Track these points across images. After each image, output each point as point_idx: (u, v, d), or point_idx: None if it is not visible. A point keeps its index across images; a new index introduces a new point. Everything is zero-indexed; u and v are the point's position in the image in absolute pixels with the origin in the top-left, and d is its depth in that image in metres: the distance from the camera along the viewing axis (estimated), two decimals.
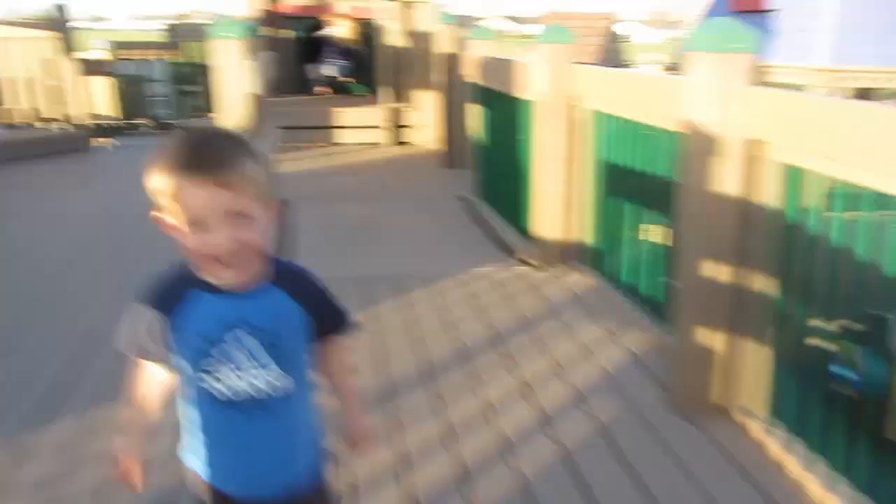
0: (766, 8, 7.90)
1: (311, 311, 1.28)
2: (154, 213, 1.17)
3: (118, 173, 6.56)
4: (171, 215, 1.15)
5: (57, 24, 7.58)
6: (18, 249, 4.36)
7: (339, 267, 3.93)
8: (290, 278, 1.28)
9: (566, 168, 3.87)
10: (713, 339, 2.48)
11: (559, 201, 3.92)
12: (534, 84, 3.86)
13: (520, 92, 4.22)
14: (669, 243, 2.93)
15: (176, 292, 1.23)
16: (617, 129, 3.39)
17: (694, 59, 2.39)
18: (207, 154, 1.14)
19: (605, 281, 3.61)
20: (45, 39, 7.37)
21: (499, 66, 4.72)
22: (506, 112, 4.58)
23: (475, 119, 5.37)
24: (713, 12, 9.34)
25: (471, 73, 5.42)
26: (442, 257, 4.26)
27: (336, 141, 7.87)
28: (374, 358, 2.89)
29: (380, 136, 7.80)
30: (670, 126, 2.78)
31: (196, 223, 1.13)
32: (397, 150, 7.70)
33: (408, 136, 7.96)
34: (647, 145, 3.10)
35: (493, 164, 5.04)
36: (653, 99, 2.95)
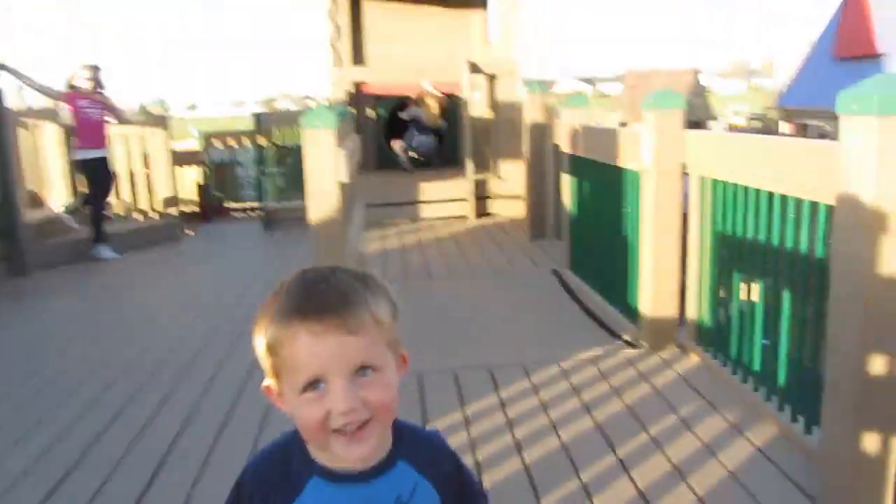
0: (879, 52, 7.26)
1: (444, 492, 1.01)
2: (265, 382, 0.95)
3: (204, 261, 6.58)
4: (282, 378, 0.91)
5: (157, 117, 7.83)
6: (109, 342, 4.29)
7: (428, 357, 3.68)
8: (419, 450, 1.01)
9: (678, 242, 3.53)
10: (878, 444, 2.06)
11: (670, 277, 3.57)
12: (641, 153, 3.57)
13: (622, 161, 3.92)
14: (806, 326, 2.54)
15: (283, 481, 0.97)
16: (738, 200, 3.04)
17: (848, 123, 2.06)
18: (326, 293, 0.89)
19: (724, 365, 3.20)
20: (147, 133, 7.61)
21: (597, 135, 4.45)
22: (605, 182, 4.29)
23: (569, 189, 5.09)
24: (814, 60, 8.83)
25: (563, 141, 5.17)
26: (540, 341, 3.93)
27: (421, 216, 7.75)
28: (473, 464, 2.57)
29: (466, 209, 7.63)
30: (811, 196, 2.44)
31: (313, 383, 0.88)
32: (484, 223, 7.49)
33: (494, 207, 7.76)
34: (775, 217, 2.74)
35: (590, 237, 4.72)
36: (790, 167, 2.60)
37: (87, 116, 6.59)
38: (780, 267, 2.74)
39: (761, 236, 2.88)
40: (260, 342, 0.92)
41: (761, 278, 2.92)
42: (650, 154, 3.53)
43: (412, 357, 1.01)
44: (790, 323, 2.67)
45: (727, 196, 3.13)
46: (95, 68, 6.73)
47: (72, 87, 6.61)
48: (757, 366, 2.92)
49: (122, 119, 7.10)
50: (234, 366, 3.72)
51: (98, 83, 6.69)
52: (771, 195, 2.74)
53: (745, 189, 2.95)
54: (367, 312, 0.89)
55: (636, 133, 3.81)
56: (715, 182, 3.23)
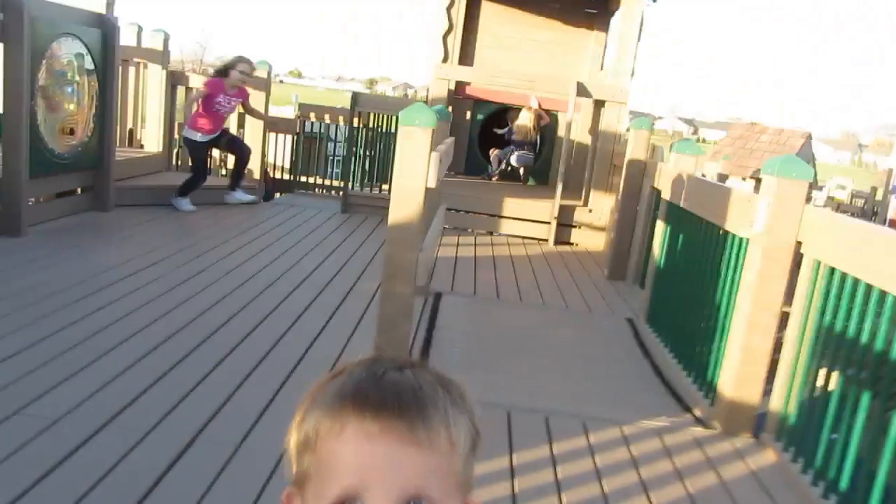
0: None
1: None
2: (286, 489, 0.73)
3: (278, 230, 6.53)
4: (308, 485, 0.69)
5: (259, 79, 7.83)
6: (178, 289, 4.26)
7: (485, 387, 3.48)
8: None
9: (776, 324, 3.24)
10: None
11: (760, 360, 3.27)
12: (753, 220, 3.28)
13: (730, 223, 3.64)
14: None
15: None
16: (856, 295, 2.73)
17: None
18: (396, 388, 0.69)
19: (805, 472, 2.89)
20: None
21: (705, 189, 4.16)
22: (705, 240, 4.00)
23: (660, 236, 4.81)
24: None
25: (664, 186, 4.89)
26: (604, 395, 3.68)
27: (500, 231, 7.55)
28: None
29: (547, 233, 7.38)
30: None
31: (346, 501, 0.66)
32: (563, 251, 7.23)
33: (576, 236, 7.49)
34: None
35: (674, 293, 4.43)
36: None
37: (215, 109, 6.57)
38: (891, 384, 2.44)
39: (878, 344, 2.57)
40: (296, 430, 0.71)
41: (868, 389, 2.61)
42: (763, 223, 3.24)
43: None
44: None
45: (843, 287, 2.82)
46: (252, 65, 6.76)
47: (220, 73, 6.58)
48: (844, 484, 2.62)
49: (258, 117, 7.20)
50: (292, 341, 3.68)
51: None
52: None
53: (868, 286, 2.65)
54: (443, 427, 0.68)
55: (751, 197, 3.52)
56: (831, 270, 2.92)
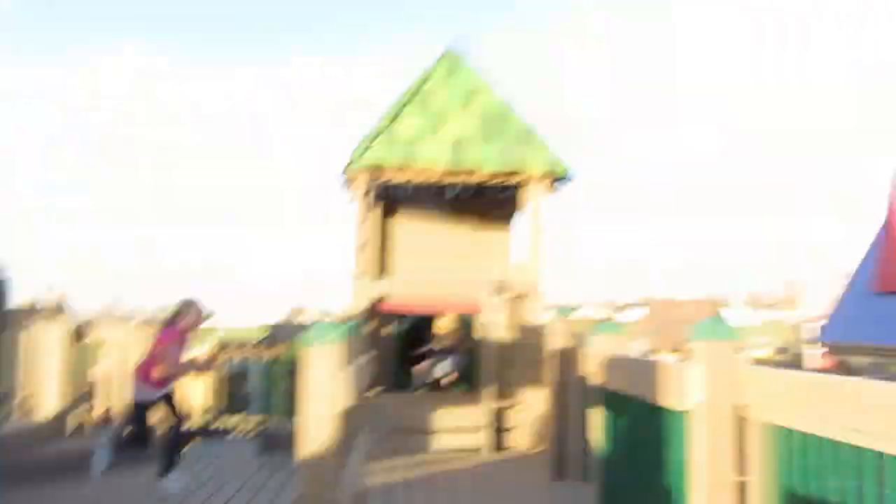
0: None
1: None
2: None
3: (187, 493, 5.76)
4: None
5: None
6: None
7: None
8: None
9: (736, 498, 2.94)
10: None
11: None
12: (688, 390, 3.10)
13: (665, 399, 3.44)
14: None
15: None
16: (814, 452, 2.51)
17: None
18: None
19: None
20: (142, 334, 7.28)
21: (634, 367, 4.00)
22: (644, 421, 3.76)
23: (598, 426, 4.55)
24: (853, 294, 8.61)
25: (592, 372, 4.72)
26: None
27: (433, 446, 7.10)
28: None
29: (481, 440, 6.99)
30: None
31: None
32: (500, 457, 6.82)
33: (512, 439, 7.12)
34: (869, 478, 2.21)
35: (625, 484, 4.10)
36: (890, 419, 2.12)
37: (167, 362, 5.69)
38: None
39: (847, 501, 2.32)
40: None
41: None
42: (698, 391, 3.06)
43: None
44: None
45: (802, 447, 2.60)
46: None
47: (171, 322, 5.79)
48: None
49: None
50: None
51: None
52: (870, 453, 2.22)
53: (833, 442, 2.43)
54: None
55: (681, 366, 3.37)
56: (788, 431, 2.71)
